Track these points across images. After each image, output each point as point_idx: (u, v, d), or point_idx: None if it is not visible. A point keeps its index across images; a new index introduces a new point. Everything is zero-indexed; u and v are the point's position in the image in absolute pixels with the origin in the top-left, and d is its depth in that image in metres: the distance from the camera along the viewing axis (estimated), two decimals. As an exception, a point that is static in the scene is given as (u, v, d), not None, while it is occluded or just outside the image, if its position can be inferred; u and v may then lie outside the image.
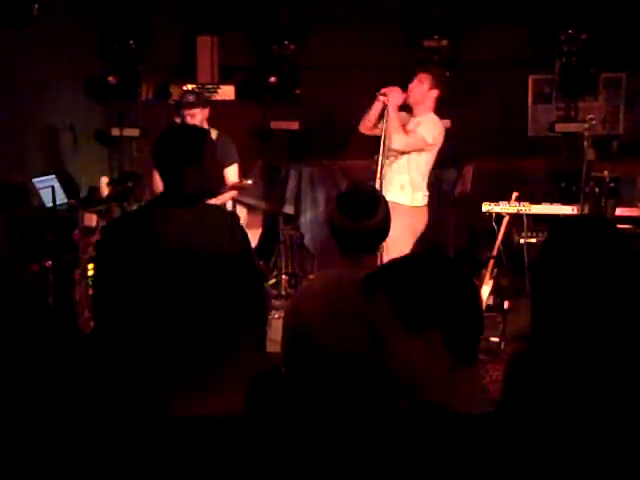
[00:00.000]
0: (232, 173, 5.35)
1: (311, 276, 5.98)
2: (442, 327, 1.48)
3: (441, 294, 1.48)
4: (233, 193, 5.35)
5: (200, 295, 2.23)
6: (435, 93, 5.01)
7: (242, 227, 3.00)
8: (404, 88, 4.99)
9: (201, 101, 5.31)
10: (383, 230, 2.47)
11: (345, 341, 2.24)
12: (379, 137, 5.10)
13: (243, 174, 5.53)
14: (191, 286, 2.53)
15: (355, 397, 2.16)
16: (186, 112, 5.21)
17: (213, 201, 5.07)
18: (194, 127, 3.28)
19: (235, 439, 1.40)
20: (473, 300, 1.53)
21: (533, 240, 5.36)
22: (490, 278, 5.18)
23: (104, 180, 6.00)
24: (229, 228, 2.79)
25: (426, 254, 1.63)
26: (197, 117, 5.23)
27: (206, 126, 5.28)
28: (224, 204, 5.29)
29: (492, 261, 5.20)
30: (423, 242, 5.31)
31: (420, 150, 4.94)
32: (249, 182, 5.20)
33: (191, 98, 5.27)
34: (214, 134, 5.35)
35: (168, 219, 2.70)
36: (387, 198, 2.66)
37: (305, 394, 2.23)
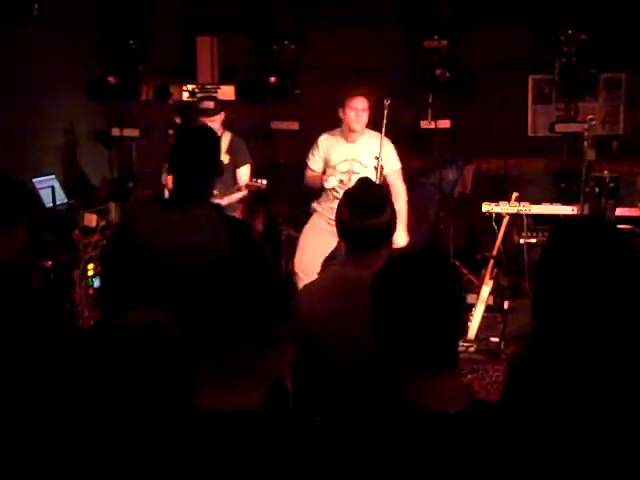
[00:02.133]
0: (244, 173, 5.42)
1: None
2: (406, 334, 1.48)
3: (415, 300, 1.48)
4: (245, 192, 5.36)
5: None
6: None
7: (239, 223, 3.00)
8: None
9: (219, 107, 5.35)
10: (390, 228, 2.47)
11: (352, 338, 2.24)
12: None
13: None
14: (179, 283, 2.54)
15: (360, 395, 2.17)
16: (207, 119, 5.25)
17: (226, 200, 5.18)
18: (213, 131, 3.30)
19: (249, 434, 1.41)
20: (455, 301, 1.53)
21: (533, 240, 5.36)
22: (490, 278, 5.18)
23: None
24: (212, 227, 2.79)
25: (414, 253, 1.63)
26: (216, 122, 5.29)
27: (221, 129, 5.33)
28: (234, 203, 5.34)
29: (492, 261, 5.20)
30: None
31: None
32: (264, 182, 5.21)
33: (211, 105, 5.29)
34: (228, 136, 5.39)
35: (154, 220, 2.71)
36: None
37: (313, 393, 2.24)
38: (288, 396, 1.62)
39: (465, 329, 4.97)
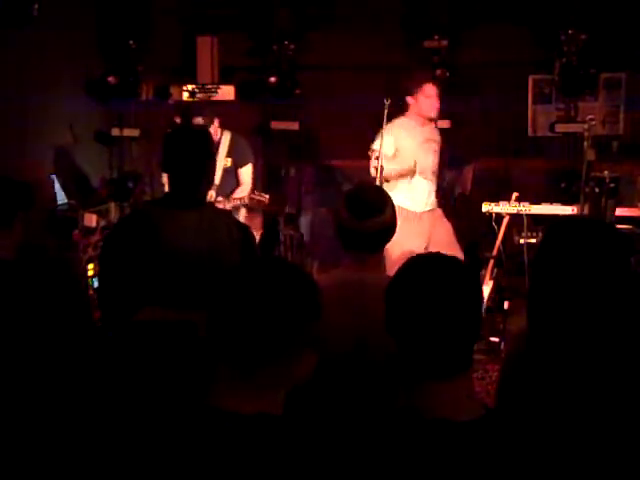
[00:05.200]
0: (246, 173, 5.44)
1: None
2: (424, 341, 1.46)
3: (433, 304, 1.46)
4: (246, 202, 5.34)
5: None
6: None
7: (244, 227, 3.02)
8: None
9: (209, 119, 5.33)
10: (388, 230, 2.46)
11: (352, 341, 2.24)
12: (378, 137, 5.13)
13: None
14: (194, 285, 2.55)
15: (362, 396, 2.17)
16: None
17: (227, 205, 5.18)
18: (203, 131, 3.30)
19: (265, 438, 1.40)
20: (473, 305, 1.50)
21: (533, 240, 5.35)
22: (490, 278, 5.18)
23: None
24: (227, 229, 2.81)
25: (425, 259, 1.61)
26: (212, 129, 5.28)
27: (219, 133, 5.31)
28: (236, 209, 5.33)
29: (492, 261, 5.20)
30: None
31: None
32: (266, 196, 5.26)
33: (201, 121, 5.20)
34: (228, 136, 5.39)
35: (172, 220, 2.73)
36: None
37: (316, 395, 2.24)
38: (308, 401, 1.61)
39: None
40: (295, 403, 1.51)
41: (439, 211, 5.40)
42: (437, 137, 5.27)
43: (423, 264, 1.54)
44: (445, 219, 5.41)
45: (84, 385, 1.86)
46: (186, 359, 1.85)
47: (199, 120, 5.19)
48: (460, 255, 5.03)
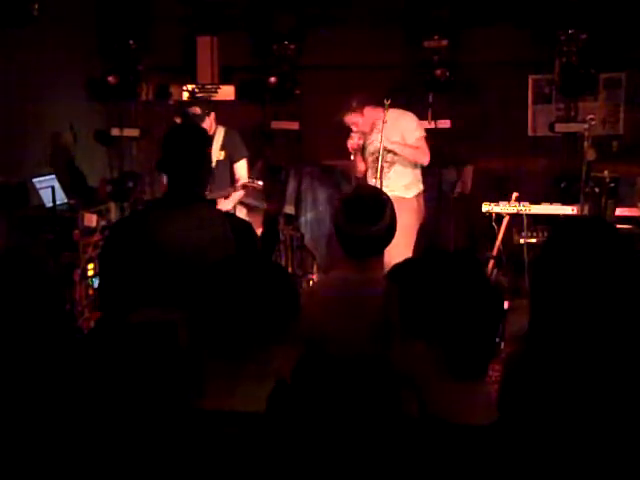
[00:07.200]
0: (242, 167, 5.44)
1: (313, 277, 6.01)
2: (447, 339, 1.41)
3: (455, 303, 1.42)
4: (241, 193, 5.37)
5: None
6: None
7: (244, 223, 3.01)
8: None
9: (206, 109, 5.33)
10: (388, 234, 2.43)
11: (356, 342, 2.23)
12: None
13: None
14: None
15: (364, 400, 2.16)
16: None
17: (225, 203, 5.19)
18: (202, 130, 3.31)
19: (250, 437, 1.40)
20: (491, 313, 1.46)
21: (533, 240, 5.36)
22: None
23: None
24: (222, 227, 2.81)
25: (451, 254, 1.58)
26: (206, 123, 5.28)
27: (214, 126, 5.33)
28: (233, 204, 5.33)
29: (492, 261, 5.20)
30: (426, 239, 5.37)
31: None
32: (260, 183, 5.25)
33: (197, 111, 5.23)
34: (222, 131, 5.40)
35: (170, 219, 2.73)
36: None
37: (316, 398, 2.23)
38: (292, 397, 1.62)
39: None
40: (281, 400, 1.51)
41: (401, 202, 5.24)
42: (388, 130, 5.08)
43: (440, 264, 1.51)
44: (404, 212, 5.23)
45: (65, 386, 1.85)
46: (171, 360, 1.85)
47: (196, 109, 5.19)
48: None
